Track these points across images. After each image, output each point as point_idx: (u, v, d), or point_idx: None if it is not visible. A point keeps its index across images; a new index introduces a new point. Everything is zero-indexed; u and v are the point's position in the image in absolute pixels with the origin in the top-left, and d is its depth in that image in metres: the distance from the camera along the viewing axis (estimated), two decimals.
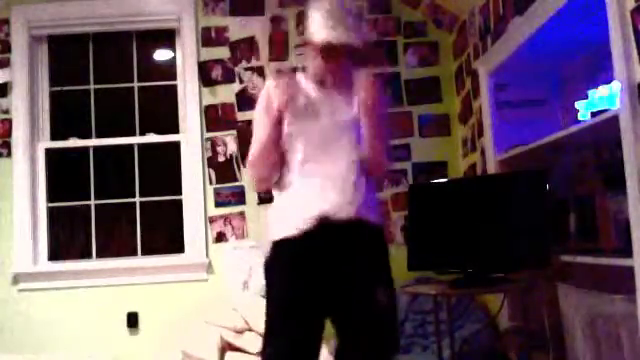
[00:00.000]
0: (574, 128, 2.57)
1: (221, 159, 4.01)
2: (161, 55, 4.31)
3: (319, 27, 1.95)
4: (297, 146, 1.99)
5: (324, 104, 2.01)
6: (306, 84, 2.07)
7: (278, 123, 1.99)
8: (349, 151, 1.97)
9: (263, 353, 1.98)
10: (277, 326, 1.95)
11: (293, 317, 1.92)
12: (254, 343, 3.36)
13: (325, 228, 1.90)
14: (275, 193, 2.07)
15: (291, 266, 1.94)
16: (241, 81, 4.06)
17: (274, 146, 2.01)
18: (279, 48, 4.07)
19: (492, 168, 3.41)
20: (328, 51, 1.96)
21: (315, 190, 1.93)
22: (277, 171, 2.04)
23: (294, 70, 2.16)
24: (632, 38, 2.08)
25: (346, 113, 2.01)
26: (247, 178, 3.96)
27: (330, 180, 1.93)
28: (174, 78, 4.18)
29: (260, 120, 2.05)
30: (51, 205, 4.04)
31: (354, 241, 1.93)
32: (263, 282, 2.03)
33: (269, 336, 1.97)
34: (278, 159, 2.03)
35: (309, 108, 2.00)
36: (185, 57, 4.08)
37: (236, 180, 3.99)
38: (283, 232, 1.96)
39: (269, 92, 2.04)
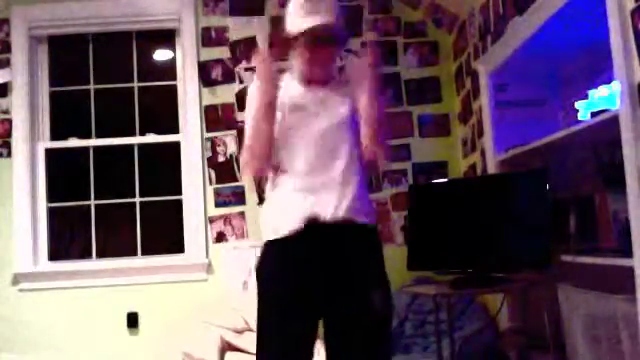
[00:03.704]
0: (574, 128, 2.57)
1: (221, 159, 4.01)
2: (161, 55, 4.31)
3: (298, 16, 1.94)
4: (287, 146, 1.95)
5: (313, 103, 1.97)
6: (292, 84, 2.02)
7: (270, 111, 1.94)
8: (342, 150, 1.93)
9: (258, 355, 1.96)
10: (268, 329, 1.93)
11: (282, 318, 1.89)
12: (254, 343, 3.35)
13: (314, 229, 1.87)
14: (267, 194, 2.04)
15: (280, 266, 1.91)
16: (241, 81, 4.06)
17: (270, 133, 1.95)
18: (279, 48, 4.06)
19: (492, 168, 3.41)
20: (312, 40, 1.93)
21: (305, 190, 1.91)
22: (270, 160, 1.97)
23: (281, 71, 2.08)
24: (632, 38, 2.08)
25: (338, 110, 1.96)
26: (246, 178, 3.97)
27: (321, 180, 1.90)
28: (174, 78, 4.18)
29: (252, 107, 1.99)
30: (51, 205, 4.04)
31: (345, 242, 1.90)
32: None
33: (261, 339, 1.95)
34: (271, 149, 1.96)
35: (297, 109, 1.96)
36: (185, 57, 4.08)
37: (236, 180, 3.99)
38: (273, 233, 1.94)
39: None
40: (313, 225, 1.87)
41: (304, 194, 1.90)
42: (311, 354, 1.93)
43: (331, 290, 1.89)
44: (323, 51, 1.96)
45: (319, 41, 1.94)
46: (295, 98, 1.99)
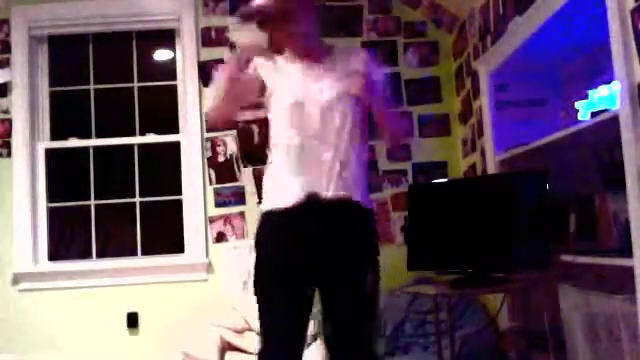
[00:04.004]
0: (574, 128, 2.57)
1: (221, 159, 4.01)
2: (161, 55, 4.31)
3: None
4: (285, 122, 1.98)
5: (312, 79, 1.98)
6: (286, 64, 2.04)
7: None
8: (339, 128, 1.94)
9: (261, 326, 2.00)
10: (264, 297, 1.98)
11: (278, 286, 1.94)
12: (254, 343, 3.36)
13: (312, 204, 1.90)
14: (267, 165, 2.06)
15: (277, 236, 1.96)
16: None
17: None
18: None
19: (492, 168, 3.41)
20: (259, 25, 1.90)
21: (303, 165, 1.93)
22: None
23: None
24: (632, 38, 2.08)
25: (334, 89, 1.96)
26: (247, 178, 3.97)
27: (318, 157, 1.92)
28: (174, 78, 4.18)
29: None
30: (51, 205, 4.04)
31: (340, 220, 1.93)
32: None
33: (259, 309, 1.99)
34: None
35: (291, 86, 1.98)
36: (185, 57, 4.08)
37: (236, 180, 3.99)
38: (272, 203, 1.98)
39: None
40: (311, 200, 1.90)
41: (302, 169, 1.93)
42: (306, 322, 1.98)
43: (324, 265, 1.92)
44: (276, 32, 1.93)
45: (263, 25, 1.90)
46: (288, 76, 2.00)
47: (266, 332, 1.98)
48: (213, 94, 2.05)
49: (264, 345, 1.98)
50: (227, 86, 1.97)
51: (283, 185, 1.96)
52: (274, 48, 1.96)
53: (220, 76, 2.00)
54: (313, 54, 2.03)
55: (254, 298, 2.01)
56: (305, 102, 1.95)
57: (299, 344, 1.97)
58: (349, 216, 1.95)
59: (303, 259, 1.92)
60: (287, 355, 1.96)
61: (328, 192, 1.91)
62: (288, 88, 1.99)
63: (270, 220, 1.98)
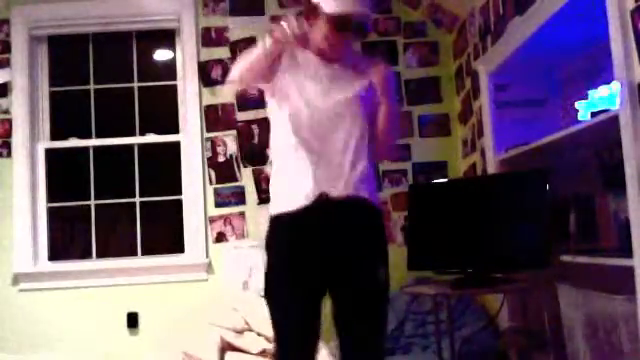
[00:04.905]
0: (574, 128, 2.57)
1: (221, 159, 4.01)
2: (161, 55, 4.31)
3: None
4: (295, 122, 1.96)
5: (327, 78, 1.98)
6: (308, 54, 2.01)
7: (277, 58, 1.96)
8: (350, 129, 1.95)
9: (274, 328, 2.00)
10: (277, 299, 1.97)
11: (289, 288, 1.94)
12: (254, 343, 3.36)
13: (323, 204, 1.90)
14: (274, 168, 2.06)
15: (289, 239, 1.96)
16: None
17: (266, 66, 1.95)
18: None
19: (492, 168, 3.41)
20: (341, 25, 1.91)
21: (313, 166, 1.93)
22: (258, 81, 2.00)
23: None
24: (632, 38, 2.08)
25: (349, 90, 1.97)
26: (247, 178, 3.97)
27: (328, 157, 1.93)
28: (174, 78, 4.18)
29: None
30: (51, 205, 4.04)
31: (351, 218, 1.94)
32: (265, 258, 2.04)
33: (272, 308, 1.99)
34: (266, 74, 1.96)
35: (311, 79, 1.97)
36: (185, 57, 4.08)
37: (236, 180, 3.99)
38: (282, 207, 1.97)
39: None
40: (321, 201, 1.90)
41: (311, 168, 1.92)
42: (319, 322, 1.97)
43: (337, 263, 1.92)
44: (347, 36, 1.96)
45: (347, 28, 1.92)
46: (310, 69, 1.99)
47: (281, 336, 1.98)
48: (245, 60, 1.95)
49: (279, 349, 1.98)
50: (259, 59, 1.92)
51: (293, 187, 1.95)
52: (306, 42, 1.93)
53: (259, 49, 1.92)
54: (334, 58, 2.00)
55: (265, 304, 1.99)
56: (316, 103, 1.95)
57: (314, 345, 1.97)
58: (361, 215, 1.96)
59: (317, 260, 1.92)
60: (303, 356, 1.96)
61: (339, 191, 1.91)
62: (300, 88, 1.97)
63: (281, 224, 1.97)
